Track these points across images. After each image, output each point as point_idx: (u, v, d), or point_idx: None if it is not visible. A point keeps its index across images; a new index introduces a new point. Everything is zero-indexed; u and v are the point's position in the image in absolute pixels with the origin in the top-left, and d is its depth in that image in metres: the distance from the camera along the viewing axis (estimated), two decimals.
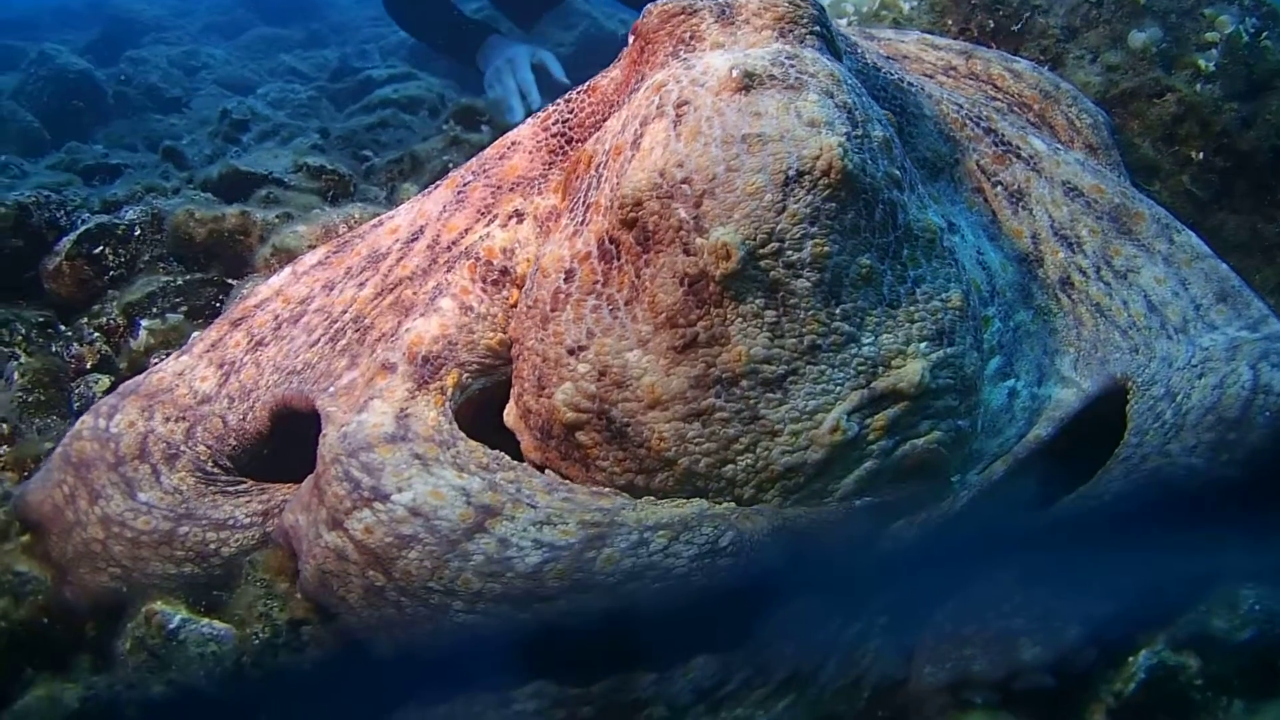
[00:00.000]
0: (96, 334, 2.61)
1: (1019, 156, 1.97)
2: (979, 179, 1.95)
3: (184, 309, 2.64)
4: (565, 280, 1.68)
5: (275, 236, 2.73)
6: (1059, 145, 2.08)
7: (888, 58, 2.14)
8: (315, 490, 1.60)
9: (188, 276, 2.72)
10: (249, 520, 1.72)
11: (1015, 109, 2.24)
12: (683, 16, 1.77)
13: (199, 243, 2.77)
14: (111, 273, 2.74)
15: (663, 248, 1.60)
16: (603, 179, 1.71)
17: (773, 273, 1.56)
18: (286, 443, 1.86)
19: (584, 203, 1.74)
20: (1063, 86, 2.31)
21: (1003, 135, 2.00)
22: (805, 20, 1.75)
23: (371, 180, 3.65)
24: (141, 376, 1.96)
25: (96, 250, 2.75)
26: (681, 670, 1.37)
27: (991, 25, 2.62)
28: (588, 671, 1.37)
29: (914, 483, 1.58)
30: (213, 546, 1.69)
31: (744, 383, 1.56)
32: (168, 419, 1.84)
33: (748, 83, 1.63)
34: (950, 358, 1.61)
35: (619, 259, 1.64)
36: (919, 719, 1.38)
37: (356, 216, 2.73)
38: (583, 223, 1.72)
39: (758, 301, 1.56)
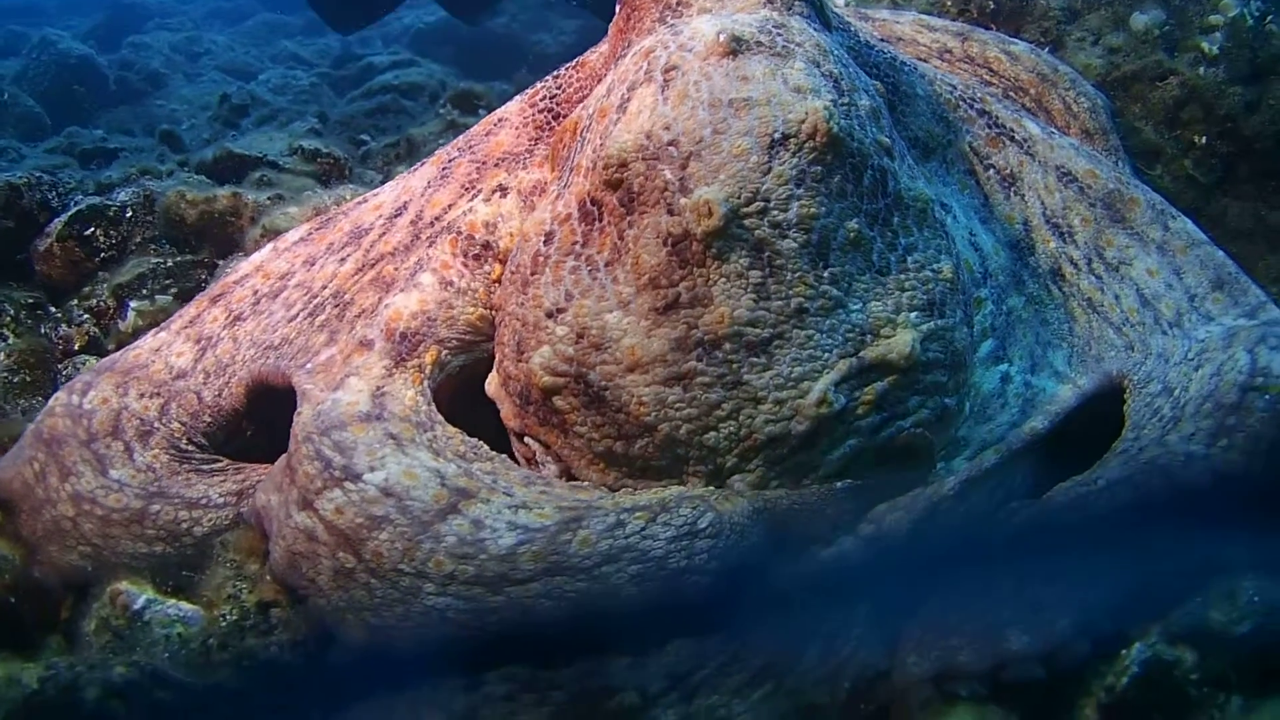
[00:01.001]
0: (86, 315, 2.59)
1: (1013, 139, 1.93)
2: (971, 161, 1.91)
3: (174, 291, 2.62)
4: (545, 243, 1.64)
5: (266, 218, 2.71)
6: (1054, 130, 2.04)
7: (881, 39, 2.10)
8: (287, 470, 1.57)
9: (178, 258, 2.70)
10: (223, 500, 1.69)
11: (1011, 93, 2.20)
12: None
13: (190, 224, 2.75)
14: (102, 254, 2.72)
15: (647, 209, 1.56)
16: (585, 141, 1.67)
17: (758, 231, 1.52)
18: (272, 422, 1.83)
19: (568, 167, 1.71)
20: (1061, 70, 2.26)
21: (997, 118, 1.95)
22: None
23: (368, 164, 3.63)
24: (119, 353, 1.93)
25: (88, 231, 2.73)
26: (656, 655, 1.33)
27: (992, 6, 2.58)
28: (560, 655, 1.33)
29: (899, 465, 1.54)
30: (185, 526, 1.67)
31: (726, 345, 1.51)
32: (142, 395, 1.81)
33: (735, 47, 1.59)
34: (941, 330, 1.57)
35: (600, 220, 1.60)
36: (902, 711, 1.34)
37: (348, 198, 2.70)
38: (565, 185, 1.68)
39: (742, 261, 1.52)
